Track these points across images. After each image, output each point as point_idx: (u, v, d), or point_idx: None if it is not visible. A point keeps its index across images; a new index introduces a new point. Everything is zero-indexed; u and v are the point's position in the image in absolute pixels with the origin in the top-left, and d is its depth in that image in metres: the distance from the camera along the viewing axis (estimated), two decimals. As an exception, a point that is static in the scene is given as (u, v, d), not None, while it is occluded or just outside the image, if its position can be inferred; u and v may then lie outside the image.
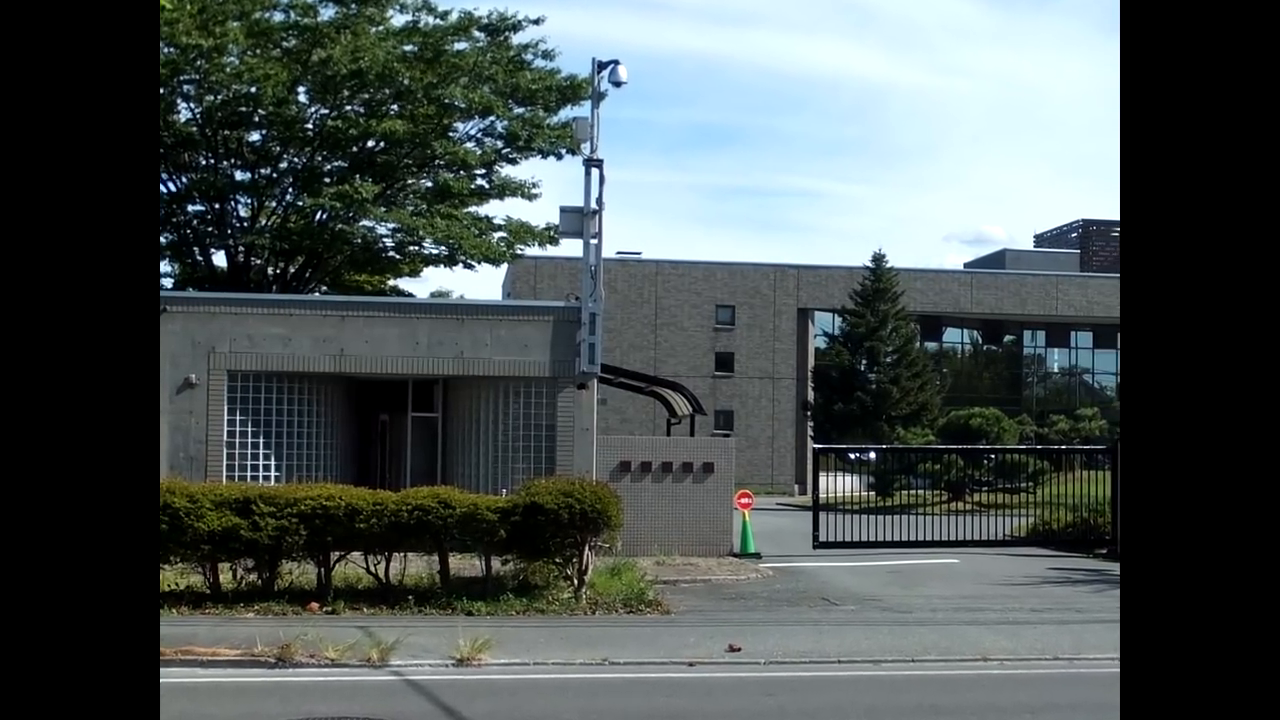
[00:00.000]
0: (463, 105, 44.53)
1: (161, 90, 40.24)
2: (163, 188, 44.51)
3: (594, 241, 30.90)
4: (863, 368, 72.24)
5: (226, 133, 44.45)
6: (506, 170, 48.08)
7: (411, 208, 46.62)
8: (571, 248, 36.90)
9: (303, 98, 45.00)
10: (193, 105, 44.09)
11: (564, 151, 46.17)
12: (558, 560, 23.36)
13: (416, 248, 47.78)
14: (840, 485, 44.50)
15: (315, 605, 21.58)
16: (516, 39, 45.68)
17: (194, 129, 44.55)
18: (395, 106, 44.65)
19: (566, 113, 46.22)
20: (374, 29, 43.85)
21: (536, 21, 45.53)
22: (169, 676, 14.58)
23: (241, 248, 46.40)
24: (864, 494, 52.44)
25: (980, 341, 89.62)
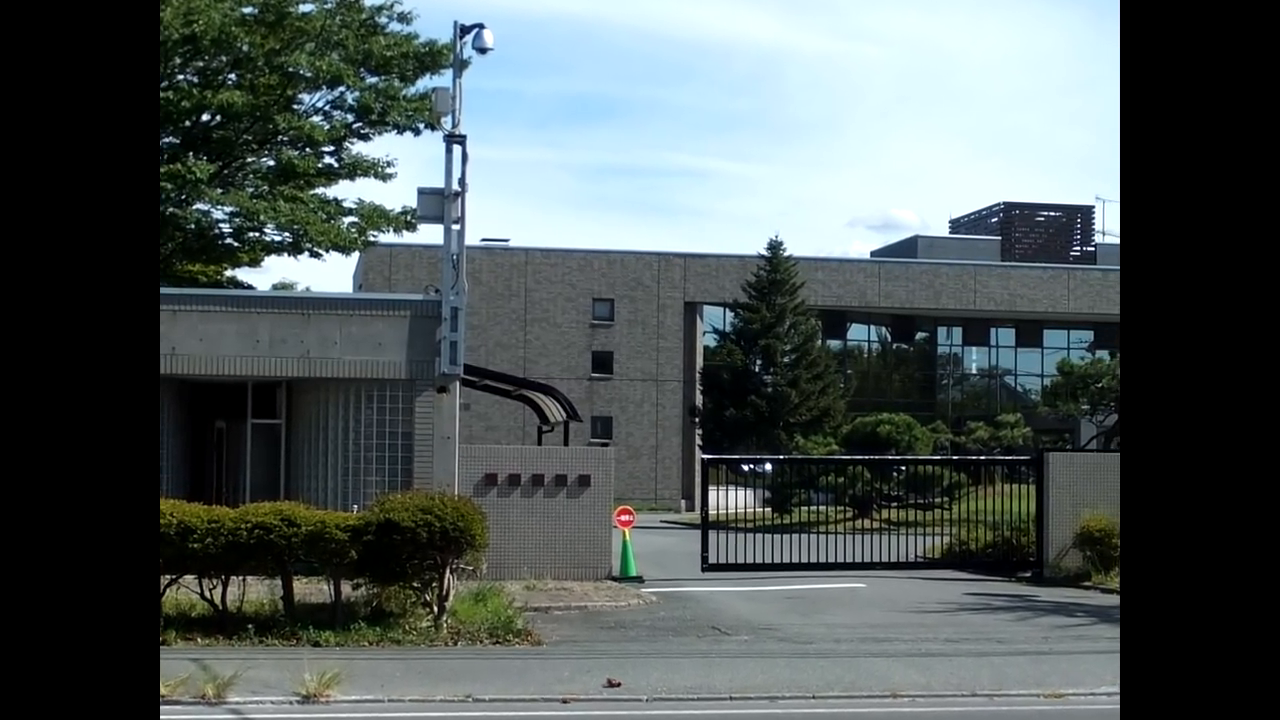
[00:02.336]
0: (309, 74, 44.30)
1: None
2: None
3: (456, 227, 30.82)
4: (757, 369, 72.44)
5: (42, 104, 43.94)
6: (358, 147, 47.92)
7: (251, 189, 46.33)
8: (431, 234, 36.91)
9: (128, 65, 44.64)
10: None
11: (422, 126, 46.02)
12: (415, 585, 23.35)
13: (257, 234, 47.45)
14: (732, 500, 44.58)
15: (142, 636, 21.44)
16: (369, 0, 45.57)
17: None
18: (233, 76, 44.38)
19: (425, 83, 46.15)
20: (209, -12, 43.59)
21: (392, -20, 45.44)
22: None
23: (59, 234, 45.94)
24: (759, 510, 52.68)
25: (889, 339, 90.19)
